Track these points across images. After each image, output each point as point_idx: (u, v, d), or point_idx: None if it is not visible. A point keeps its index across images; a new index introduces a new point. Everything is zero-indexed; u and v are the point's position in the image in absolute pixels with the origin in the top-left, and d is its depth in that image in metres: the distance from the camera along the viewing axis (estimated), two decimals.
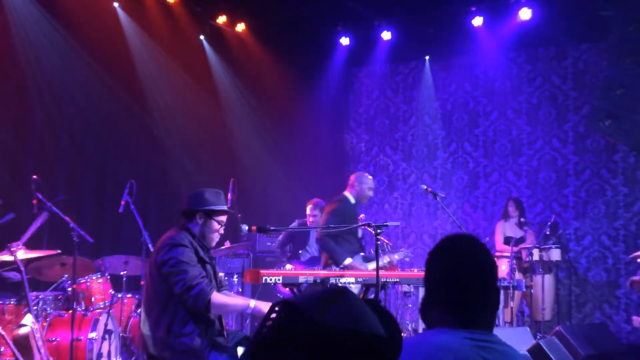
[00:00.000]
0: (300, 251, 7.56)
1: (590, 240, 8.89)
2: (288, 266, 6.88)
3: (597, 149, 8.99)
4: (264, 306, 3.82)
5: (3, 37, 7.12)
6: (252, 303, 3.83)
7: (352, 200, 6.35)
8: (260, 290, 7.44)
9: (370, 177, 6.58)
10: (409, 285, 6.54)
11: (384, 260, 6.40)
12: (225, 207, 4.03)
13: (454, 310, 1.86)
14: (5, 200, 6.37)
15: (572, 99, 9.20)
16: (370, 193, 6.47)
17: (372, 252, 6.19)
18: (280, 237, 7.77)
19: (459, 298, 1.87)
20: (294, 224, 7.63)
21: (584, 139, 9.07)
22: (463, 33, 9.13)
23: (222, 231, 4.04)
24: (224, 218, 4.03)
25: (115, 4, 8.28)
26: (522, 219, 8.17)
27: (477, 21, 8.91)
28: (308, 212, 7.56)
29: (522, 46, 9.36)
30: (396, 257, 6.76)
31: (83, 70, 7.74)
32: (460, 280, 1.88)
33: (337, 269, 5.84)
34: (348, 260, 6.00)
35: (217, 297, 3.73)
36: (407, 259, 7.02)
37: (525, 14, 8.56)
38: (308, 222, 7.54)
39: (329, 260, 6.08)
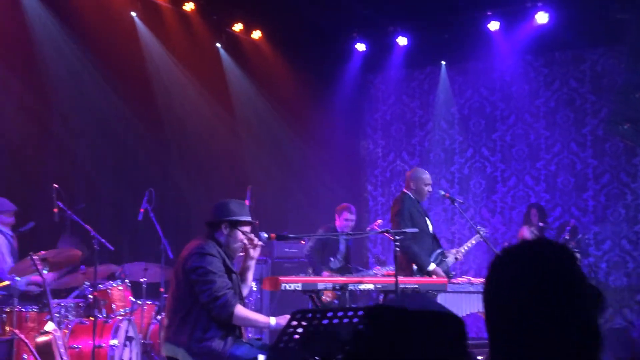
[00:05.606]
0: (331, 259, 7.52)
1: (611, 244, 8.81)
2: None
3: (616, 152, 8.92)
4: (285, 322, 3.85)
5: (23, 46, 7.23)
6: (273, 321, 3.92)
7: (413, 197, 6.14)
8: (278, 297, 7.46)
9: (427, 172, 6.32)
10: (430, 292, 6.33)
11: (450, 257, 6.15)
12: (249, 218, 4.10)
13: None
14: (26, 209, 6.46)
15: (591, 103, 9.14)
16: (429, 188, 6.19)
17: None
18: (312, 243, 7.67)
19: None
20: (320, 232, 7.56)
21: (603, 142, 8.99)
22: (479, 38, 9.10)
23: (245, 241, 4.11)
24: (248, 228, 4.11)
25: (133, 13, 8.36)
26: (540, 224, 8.13)
27: (494, 25, 8.87)
28: (344, 217, 7.51)
29: (538, 50, 9.31)
30: (466, 247, 6.33)
31: (101, 79, 7.81)
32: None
33: (420, 275, 5.75)
34: (432, 266, 5.84)
35: (240, 309, 3.86)
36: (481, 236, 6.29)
37: (541, 17, 8.51)
38: (341, 229, 7.49)
39: (410, 264, 5.86)
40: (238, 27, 9.30)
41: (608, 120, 8.87)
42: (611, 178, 8.91)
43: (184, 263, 3.89)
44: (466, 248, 6.32)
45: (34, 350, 4.92)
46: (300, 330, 3.26)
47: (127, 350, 5.67)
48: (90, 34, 7.61)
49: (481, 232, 6.28)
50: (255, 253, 4.19)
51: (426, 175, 6.25)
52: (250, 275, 4.25)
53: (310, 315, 3.26)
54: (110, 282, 6.06)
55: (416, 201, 6.16)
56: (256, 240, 4.14)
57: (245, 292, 4.23)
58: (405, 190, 6.23)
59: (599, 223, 8.91)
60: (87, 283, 5.87)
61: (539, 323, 1.32)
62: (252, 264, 4.23)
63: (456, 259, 6.15)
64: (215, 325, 3.81)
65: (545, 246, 1.42)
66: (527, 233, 8.25)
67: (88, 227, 5.74)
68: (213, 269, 3.82)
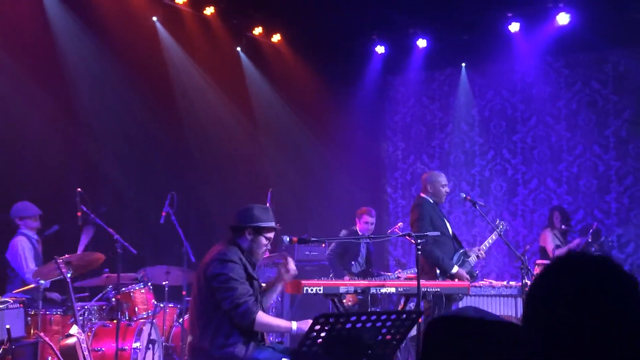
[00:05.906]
0: (352, 263, 7.52)
1: (634, 247, 8.71)
2: None
3: (639, 154, 8.81)
4: (306, 327, 3.85)
5: (45, 51, 7.31)
6: (294, 325, 3.91)
7: (431, 200, 6.13)
8: (299, 300, 7.46)
9: (442, 174, 6.36)
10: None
11: (472, 257, 6.09)
12: (273, 224, 4.08)
13: None
14: (50, 213, 6.54)
15: (613, 104, 9.04)
16: (446, 189, 6.21)
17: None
18: (333, 246, 7.66)
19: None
20: (343, 233, 7.58)
21: (626, 144, 8.89)
22: (499, 39, 9.05)
23: (269, 247, 4.10)
24: (271, 235, 4.08)
25: (154, 18, 8.43)
26: (563, 227, 8.06)
27: (514, 27, 8.81)
28: (364, 220, 7.51)
29: (559, 51, 9.23)
30: (485, 246, 6.29)
31: (123, 84, 7.89)
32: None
33: (442, 278, 5.73)
34: (455, 269, 5.84)
35: (262, 316, 3.85)
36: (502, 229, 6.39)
37: (562, 18, 8.43)
38: (362, 232, 7.49)
39: (433, 268, 5.84)
40: (258, 30, 9.35)
41: (631, 121, 8.78)
42: (634, 180, 8.81)
43: (205, 269, 3.88)
44: (487, 245, 6.29)
45: (58, 353, 4.98)
46: (323, 334, 3.26)
47: (149, 353, 5.71)
48: (112, 39, 7.69)
49: (501, 226, 6.25)
50: (288, 278, 4.19)
51: (442, 177, 6.25)
52: (277, 291, 4.29)
53: (333, 319, 3.26)
54: (133, 285, 6.11)
55: (435, 204, 6.14)
56: (291, 267, 4.13)
57: (269, 302, 4.26)
58: (422, 195, 6.20)
59: (622, 225, 8.81)
60: (110, 286, 5.93)
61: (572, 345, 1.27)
62: (281, 284, 4.25)
63: (478, 257, 6.11)
64: (237, 331, 3.81)
65: (599, 266, 1.32)
66: (549, 236, 8.19)
67: (111, 230, 5.79)
68: (234, 276, 3.81)
